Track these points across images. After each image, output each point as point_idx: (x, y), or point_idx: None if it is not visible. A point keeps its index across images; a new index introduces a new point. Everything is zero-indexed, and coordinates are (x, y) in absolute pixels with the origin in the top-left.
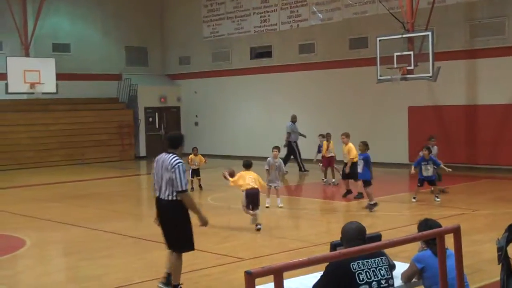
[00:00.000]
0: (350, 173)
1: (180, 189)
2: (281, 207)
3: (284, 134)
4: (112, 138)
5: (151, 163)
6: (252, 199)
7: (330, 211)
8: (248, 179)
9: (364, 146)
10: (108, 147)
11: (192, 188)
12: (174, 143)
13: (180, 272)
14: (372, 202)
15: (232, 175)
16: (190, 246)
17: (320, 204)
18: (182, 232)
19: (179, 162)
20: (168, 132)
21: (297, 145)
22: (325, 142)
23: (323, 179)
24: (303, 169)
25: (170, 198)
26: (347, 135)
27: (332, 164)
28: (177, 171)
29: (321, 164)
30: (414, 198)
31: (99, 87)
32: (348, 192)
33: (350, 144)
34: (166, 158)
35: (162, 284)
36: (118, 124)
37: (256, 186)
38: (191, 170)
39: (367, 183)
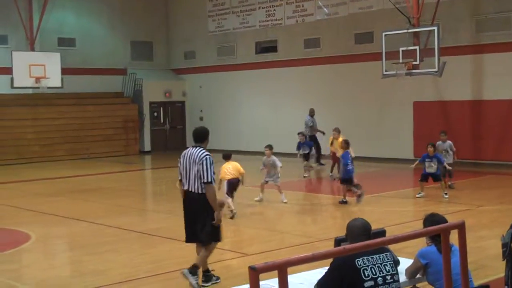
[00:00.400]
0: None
1: (205, 180)
2: (285, 202)
3: (301, 128)
4: (117, 132)
5: (179, 157)
6: (232, 187)
7: (334, 207)
8: (228, 169)
9: (344, 145)
10: (113, 142)
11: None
12: (200, 137)
13: (206, 260)
14: (359, 193)
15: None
16: (218, 238)
17: (324, 199)
18: (206, 224)
19: (207, 155)
20: (170, 125)
21: (314, 138)
22: (331, 138)
23: (330, 174)
24: (319, 163)
25: (199, 191)
26: (338, 131)
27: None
28: (204, 163)
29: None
30: (419, 193)
31: (104, 82)
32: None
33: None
34: (194, 151)
35: (188, 270)
36: (123, 118)
37: (236, 176)
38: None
39: (345, 181)
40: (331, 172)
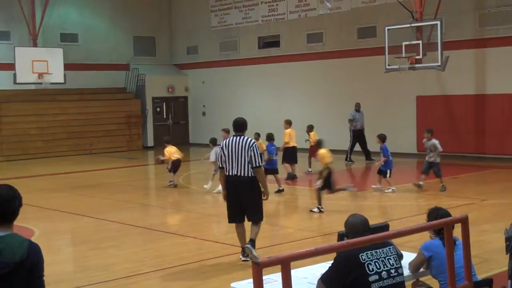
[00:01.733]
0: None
1: (257, 165)
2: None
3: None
4: (120, 128)
5: (222, 147)
6: (176, 167)
7: (337, 201)
8: (172, 151)
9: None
10: (116, 137)
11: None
12: (242, 127)
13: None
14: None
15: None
16: (262, 216)
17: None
18: (260, 205)
19: (255, 142)
20: (173, 121)
21: (355, 134)
22: (311, 133)
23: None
24: (348, 159)
25: (249, 174)
26: (288, 122)
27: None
28: (254, 149)
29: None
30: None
31: (107, 77)
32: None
33: (287, 131)
34: (241, 140)
35: (251, 244)
36: (126, 114)
37: (179, 157)
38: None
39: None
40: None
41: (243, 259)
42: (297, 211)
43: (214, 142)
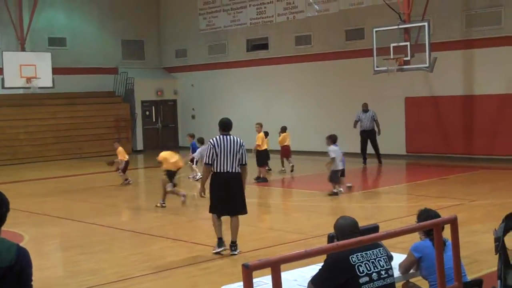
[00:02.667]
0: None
1: (245, 162)
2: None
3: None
4: (109, 132)
5: (214, 145)
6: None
7: (327, 203)
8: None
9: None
10: (105, 141)
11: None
12: (230, 126)
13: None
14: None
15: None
16: (246, 210)
17: (316, 196)
18: (244, 198)
19: (243, 142)
20: (162, 124)
21: (362, 134)
22: (283, 134)
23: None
24: (363, 160)
25: (237, 170)
26: (261, 125)
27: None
28: (244, 148)
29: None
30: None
31: (96, 81)
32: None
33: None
34: (232, 138)
35: (233, 250)
36: (115, 118)
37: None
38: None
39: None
40: (283, 166)
41: (219, 250)
42: (287, 213)
43: (202, 141)
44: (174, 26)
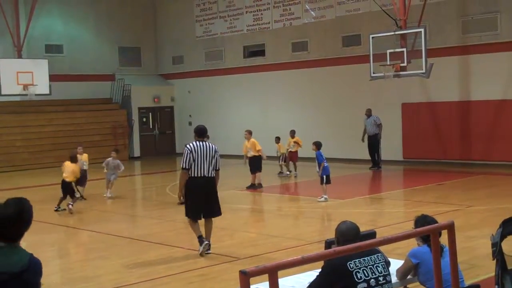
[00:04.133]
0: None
1: (218, 168)
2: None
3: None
4: (106, 139)
5: (191, 150)
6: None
7: (324, 209)
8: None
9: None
10: (102, 148)
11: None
12: (205, 133)
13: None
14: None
15: None
16: (221, 212)
17: (314, 202)
18: (218, 201)
19: (217, 148)
20: (159, 131)
21: (369, 139)
22: (290, 139)
23: (287, 173)
24: (374, 166)
25: (212, 175)
26: (250, 132)
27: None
28: (218, 154)
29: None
30: (323, 197)
31: (93, 88)
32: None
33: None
34: (208, 144)
35: (208, 248)
36: (112, 124)
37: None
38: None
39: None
40: (288, 171)
41: (205, 244)
42: (286, 219)
43: None
44: (170, 33)
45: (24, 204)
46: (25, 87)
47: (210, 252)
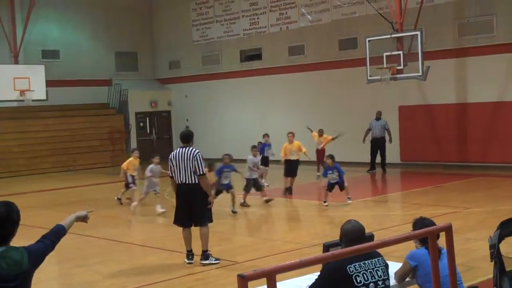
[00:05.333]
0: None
1: (200, 173)
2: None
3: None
4: (103, 144)
5: (170, 158)
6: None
7: (323, 212)
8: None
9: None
10: (100, 153)
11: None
12: (187, 139)
13: (208, 240)
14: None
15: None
16: (211, 219)
17: (312, 205)
18: (205, 208)
19: (198, 152)
20: (156, 135)
21: (372, 142)
22: (316, 136)
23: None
24: (372, 169)
25: (194, 182)
26: (293, 134)
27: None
28: (198, 159)
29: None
30: (325, 202)
31: (90, 93)
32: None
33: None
34: (186, 150)
35: (203, 259)
36: (109, 129)
37: None
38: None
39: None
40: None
41: (187, 262)
42: (283, 223)
43: None
44: (167, 38)
45: (11, 206)
46: (22, 92)
47: (205, 263)
